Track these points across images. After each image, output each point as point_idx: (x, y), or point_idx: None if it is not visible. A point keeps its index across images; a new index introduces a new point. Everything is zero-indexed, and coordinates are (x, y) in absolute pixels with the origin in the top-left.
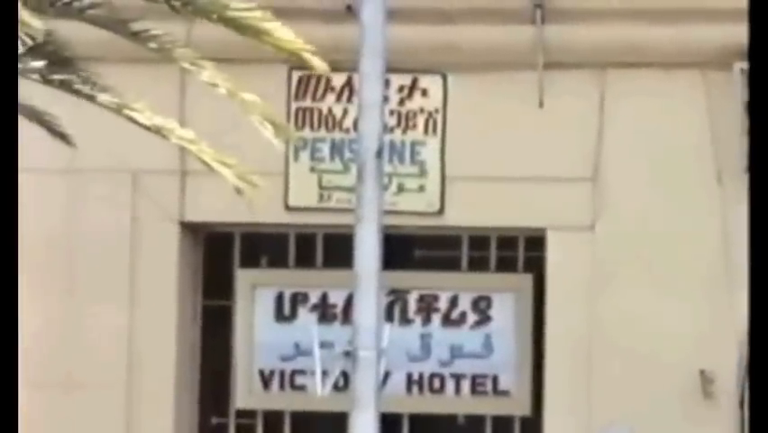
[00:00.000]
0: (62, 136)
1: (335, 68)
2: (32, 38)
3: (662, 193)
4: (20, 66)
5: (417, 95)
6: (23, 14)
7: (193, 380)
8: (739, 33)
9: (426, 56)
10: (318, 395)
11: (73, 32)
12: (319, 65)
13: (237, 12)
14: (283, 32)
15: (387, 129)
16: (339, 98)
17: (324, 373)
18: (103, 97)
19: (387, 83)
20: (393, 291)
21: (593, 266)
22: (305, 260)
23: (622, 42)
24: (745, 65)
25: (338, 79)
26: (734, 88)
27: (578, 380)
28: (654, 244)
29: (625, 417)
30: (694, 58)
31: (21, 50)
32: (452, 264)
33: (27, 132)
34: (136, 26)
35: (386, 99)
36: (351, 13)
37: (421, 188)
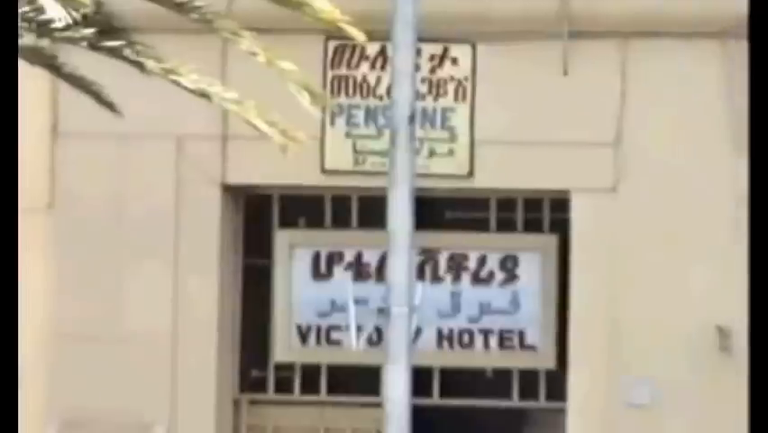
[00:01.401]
0: (109, 105)
1: (369, 37)
2: (79, 9)
3: (681, 156)
4: (69, 34)
5: (448, 63)
6: None
7: (234, 335)
8: None
9: (456, 26)
10: (353, 349)
11: (119, 4)
12: (357, 35)
13: None
14: (321, 4)
15: (418, 96)
16: (373, 66)
17: (359, 329)
18: (150, 64)
19: (418, 52)
20: (424, 251)
21: (615, 226)
22: (340, 221)
23: (644, 13)
24: None
25: (372, 49)
26: None
27: (600, 335)
28: (674, 204)
29: (644, 369)
30: (714, 27)
31: (69, 21)
32: (480, 225)
33: (73, 98)
34: None
35: (418, 68)
36: None
37: (451, 153)
